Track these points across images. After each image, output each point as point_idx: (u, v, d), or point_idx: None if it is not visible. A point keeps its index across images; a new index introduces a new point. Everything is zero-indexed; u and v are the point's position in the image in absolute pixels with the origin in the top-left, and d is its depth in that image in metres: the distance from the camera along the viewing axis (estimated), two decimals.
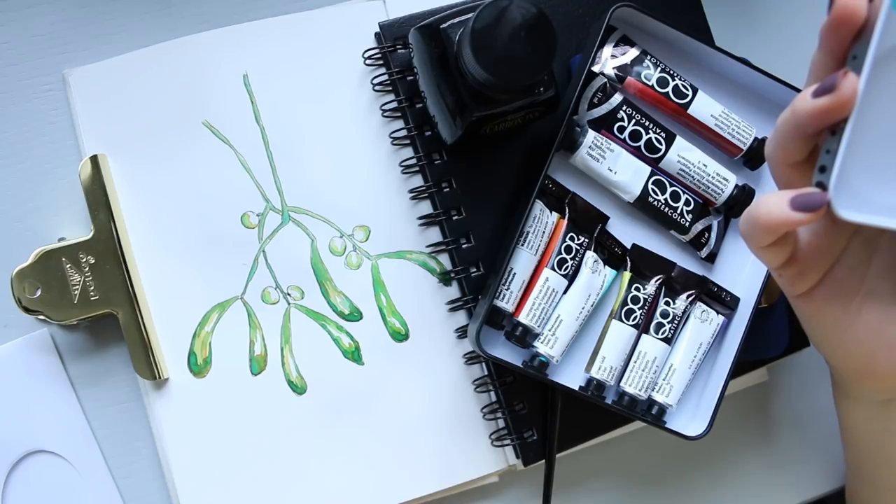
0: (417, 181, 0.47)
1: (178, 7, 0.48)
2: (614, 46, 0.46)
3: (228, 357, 0.46)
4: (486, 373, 0.47)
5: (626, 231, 0.48)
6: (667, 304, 0.46)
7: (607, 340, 0.45)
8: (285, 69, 0.47)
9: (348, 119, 0.47)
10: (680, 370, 0.46)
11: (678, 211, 0.46)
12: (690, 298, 0.46)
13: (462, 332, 0.47)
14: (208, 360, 0.46)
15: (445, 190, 0.47)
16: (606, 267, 0.46)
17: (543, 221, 0.45)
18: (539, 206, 0.45)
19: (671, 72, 0.46)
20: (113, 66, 0.46)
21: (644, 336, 0.46)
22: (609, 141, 0.46)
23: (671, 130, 0.46)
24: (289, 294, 0.46)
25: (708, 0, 0.50)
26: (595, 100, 0.46)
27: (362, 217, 0.47)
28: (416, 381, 0.47)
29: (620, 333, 0.45)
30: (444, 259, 0.47)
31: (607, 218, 0.47)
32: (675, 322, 0.46)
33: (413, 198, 0.47)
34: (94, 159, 0.44)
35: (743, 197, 0.47)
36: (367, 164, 0.47)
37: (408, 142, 0.47)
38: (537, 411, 0.47)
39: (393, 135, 0.47)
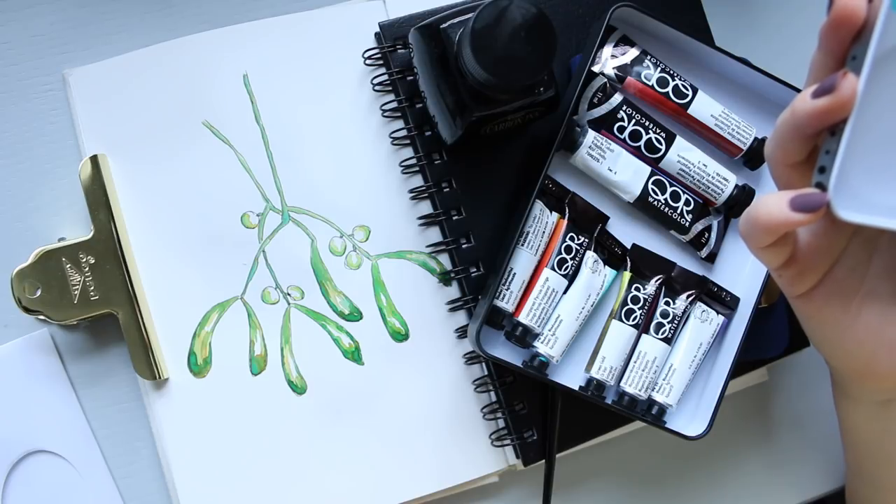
0: (417, 181, 0.47)
1: (178, 7, 0.48)
2: (614, 46, 0.46)
3: (228, 357, 0.46)
4: (486, 373, 0.47)
5: (626, 231, 0.48)
6: (667, 304, 0.46)
7: (607, 340, 0.45)
8: (285, 69, 0.47)
9: (348, 119, 0.47)
10: (680, 370, 0.46)
11: (678, 211, 0.46)
12: (690, 298, 0.46)
13: (462, 332, 0.47)
14: (208, 360, 0.46)
15: (445, 190, 0.47)
16: (606, 267, 0.46)
17: (543, 221, 0.45)
18: (539, 206, 0.45)
19: (671, 72, 0.46)
20: (113, 66, 0.46)
21: (644, 336, 0.46)
22: (609, 141, 0.46)
23: (671, 130, 0.46)
24: (289, 294, 0.46)
25: (708, 0, 0.50)
26: (595, 100, 0.46)
27: (362, 217, 0.47)
28: (416, 381, 0.47)
29: (620, 333, 0.45)
30: (444, 259, 0.47)
31: (607, 218, 0.47)
32: (675, 322, 0.46)
33: (413, 198, 0.47)
34: (94, 159, 0.44)
35: (743, 197, 0.47)
36: (367, 164, 0.47)
37: (408, 142, 0.47)
38: (537, 411, 0.47)
39: (393, 135, 0.47)
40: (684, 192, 0.47)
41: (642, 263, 0.47)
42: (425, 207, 0.48)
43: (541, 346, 0.44)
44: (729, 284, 0.48)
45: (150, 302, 0.45)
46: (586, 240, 0.46)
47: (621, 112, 0.46)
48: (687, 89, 0.46)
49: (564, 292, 0.45)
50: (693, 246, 0.48)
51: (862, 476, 0.45)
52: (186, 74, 0.46)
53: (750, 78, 0.47)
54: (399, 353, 0.47)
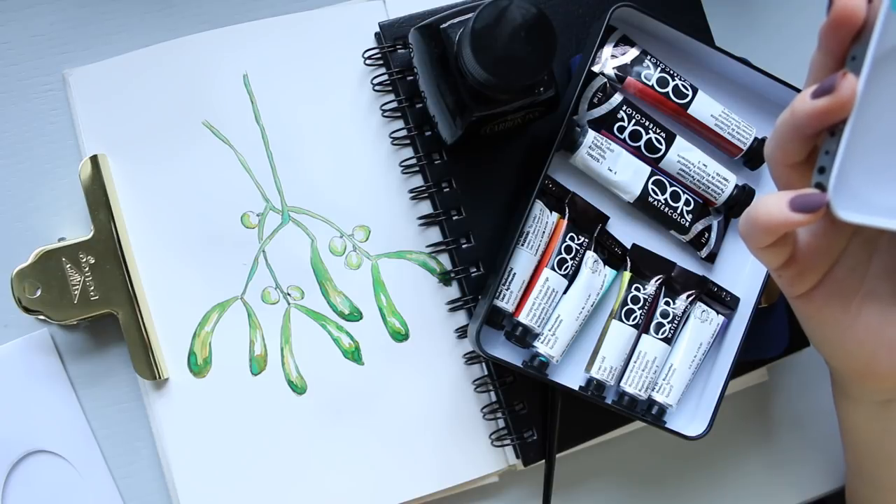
0: (417, 181, 0.47)
1: (178, 7, 0.48)
2: (614, 46, 0.46)
3: (228, 357, 0.46)
4: (486, 373, 0.47)
5: (626, 231, 0.48)
6: (667, 304, 0.46)
7: (607, 340, 0.45)
8: (285, 69, 0.47)
9: (348, 119, 0.47)
10: (680, 370, 0.46)
11: (678, 211, 0.46)
12: (690, 298, 0.46)
13: (462, 332, 0.47)
14: (208, 360, 0.46)
15: (445, 190, 0.47)
16: (606, 267, 0.46)
17: (543, 221, 0.45)
18: (539, 206, 0.45)
19: (671, 72, 0.46)
20: (113, 66, 0.46)
21: (644, 336, 0.46)
22: (609, 141, 0.46)
23: (671, 130, 0.46)
24: (289, 294, 0.46)
25: (708, 0, 0.50)
26: (595, 100, 0.46)
27: (362, 217, 0.47)
28: (416, 381, 0.47)
29: (620, 333, 0.45)
30: (444, 259, 0.47)
31: (607, 218, 0.47)
32: (675, 322, 0.46)
33: (413, 198, 0.47)
34: (94, 159, 0.44)
35: (743, 197, 0.47)
36: (367, 164, 0.47)
37: (408, 142, 0.47)
38: (537, 411, 0.47)
39: (393, 135, 0.47)
40: (684, 192, 0.47)
41: (642, 263, 0.47)
42: (425, 207, 0.48)
43: (541, 346, 0.44)
44: (729, 284, 0.48)
45: (150, 302, 0.45)
46: (586, 240, 0.46)
47: (621, 112, 0.46)
48: (687, 89, 0.46)
49: (564, 292, 0.45)
50: (693, 246, 0.48)
51: (862, 476, 0.45)
52: (186, 74, 0.46)
53: (750, 78, 0.47)
54: (399, 353, 0.47)
